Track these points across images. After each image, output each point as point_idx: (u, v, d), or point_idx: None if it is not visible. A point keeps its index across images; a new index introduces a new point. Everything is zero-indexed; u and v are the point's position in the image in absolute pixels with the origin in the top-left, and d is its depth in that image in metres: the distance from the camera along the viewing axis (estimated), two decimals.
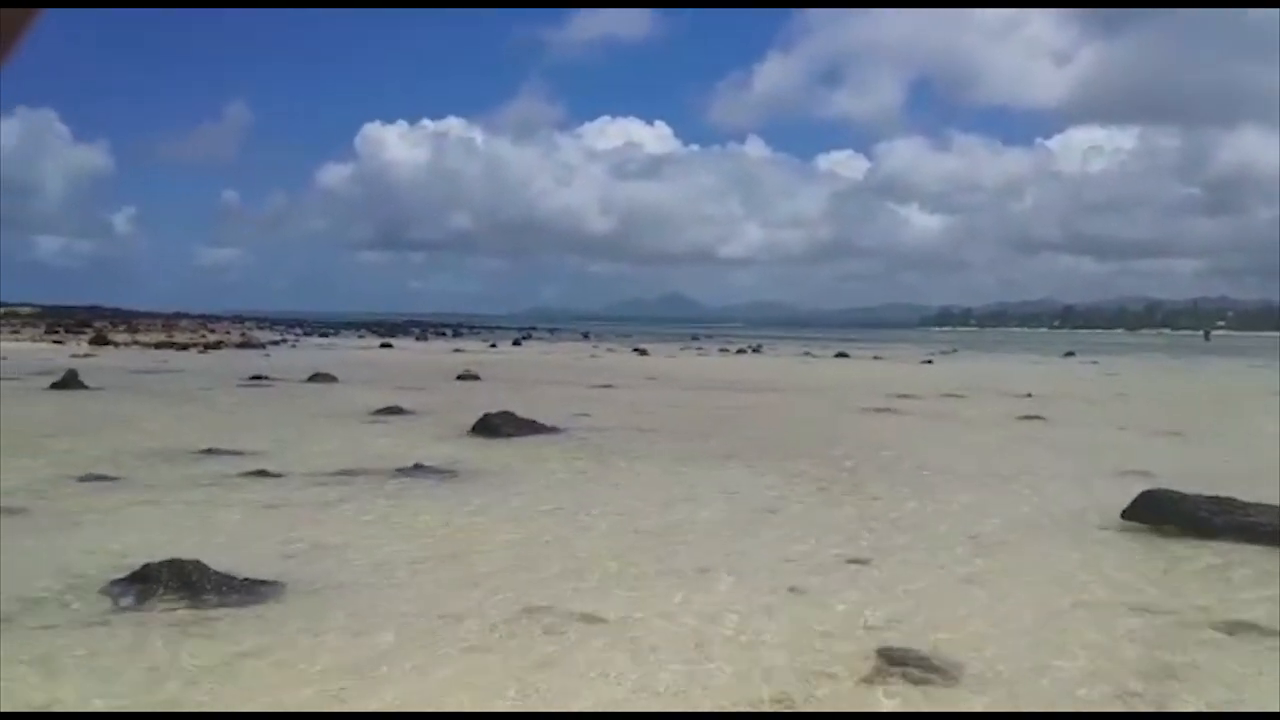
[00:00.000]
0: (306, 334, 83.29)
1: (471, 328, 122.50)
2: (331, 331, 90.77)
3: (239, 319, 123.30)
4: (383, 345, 60.31)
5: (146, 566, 6.75)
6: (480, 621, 6.13)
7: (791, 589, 6.99)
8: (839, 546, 8.38)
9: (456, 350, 54.97)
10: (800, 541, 8.59)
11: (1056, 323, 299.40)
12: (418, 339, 78.34)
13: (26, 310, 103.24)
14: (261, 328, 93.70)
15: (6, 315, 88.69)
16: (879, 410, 21.36)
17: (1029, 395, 25.74)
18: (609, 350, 59.46)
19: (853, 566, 7.71)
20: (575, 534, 8.83)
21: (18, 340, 51.05)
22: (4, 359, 35.25)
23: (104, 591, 6.58)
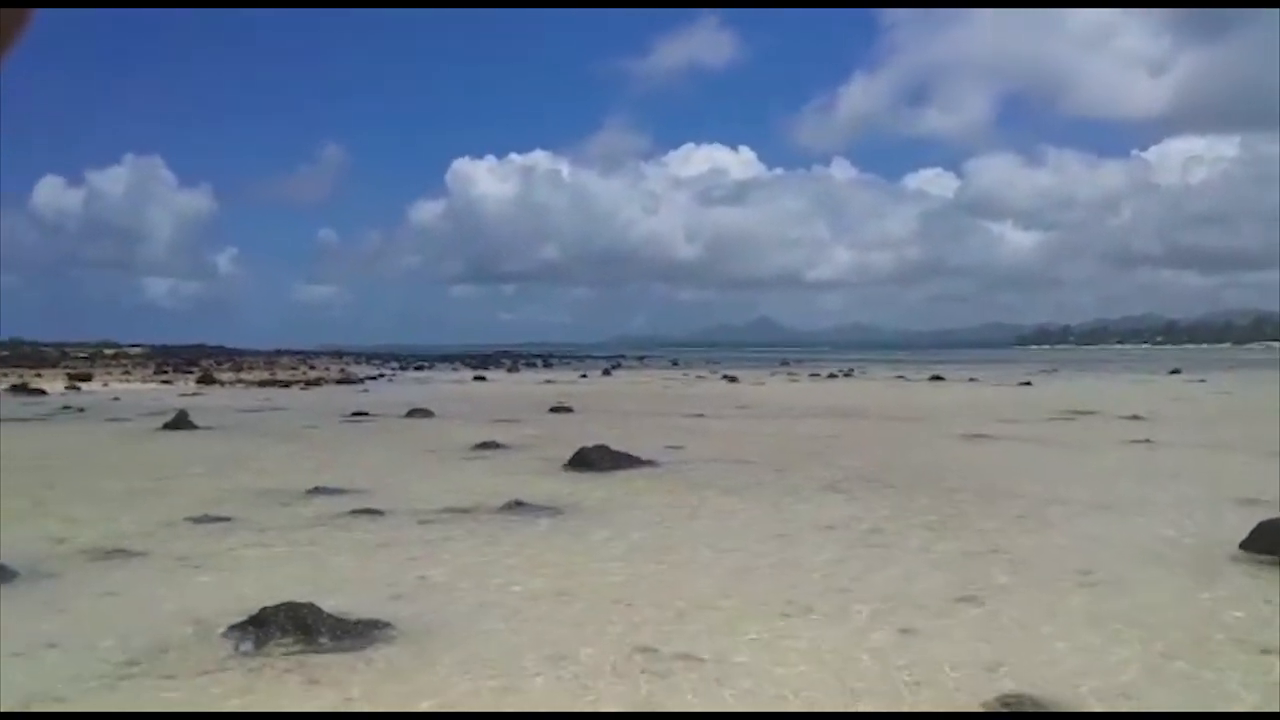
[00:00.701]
0: (402, 368, 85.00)
1: (561, 357, 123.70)
2: (426, 365, 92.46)
3: (337, 354, 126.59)
4: (476, 378, 61.22)
5: (263, 610, 6.94)
6: (590, 662, 6.16)
7: (901, 630, 6.88)
8: (947, 583, 8.22)
9: (547, 381, 55.52)
10: (906, 578, 8.45)
11: (1159, 338, 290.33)
12: (509, 370, 79.36)
13: (136, 350, 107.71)
14: (359, 363, 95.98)
15: (118, 356, 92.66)
16: (979, 436, 20.93)
17: (1135, 417, 24.95)
18: (698, 378, 59.43)
19: (962, 605, 7.55)
20: (676, 572, 8.82)
21: (129, 381, 53.10)
22: (117, 399, 36.75)
23: (224, 636, 6.78)
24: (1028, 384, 47.58)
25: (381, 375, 68.12)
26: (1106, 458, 17.25)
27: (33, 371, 58.29)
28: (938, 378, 54.58)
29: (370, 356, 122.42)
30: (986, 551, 9.48)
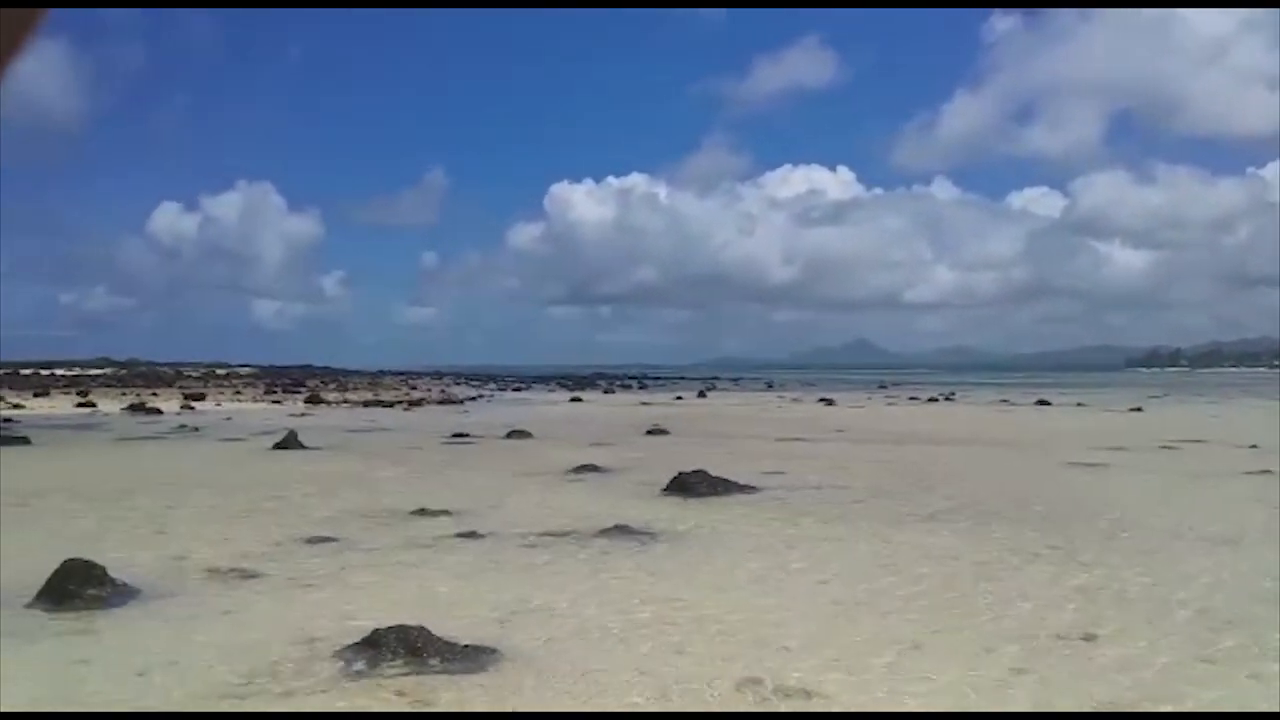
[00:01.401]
0: (500, 389, 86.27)
1: (656, 379, 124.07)
2: (524, 386, 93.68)
3: (437, 375, 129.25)
4: (573, 399, 61.76)
5: (375, 632, 7.10)
6: (696, 694, 6.15)
7: (1014, 669, 6.70)
8: (1060, 620, 7.99)
9: (643, 403, 55.69)
10: (1017, 614, 8.23)
11: (1277, 362, 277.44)
12: (605, 391, 79.83)
13: (246, 371, 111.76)
14: (458, 383, 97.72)
15: (229, 376, 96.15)
16: (1089, 465, 20.29)
17: (1254, 447, 23.88)
18: (794, 401, 58.94)
19: (1077, 644, 7.32)
20: (779, 601, 8.74)
21: (240, 401, 54.98)
22: (229, 419, 38.08)
23: (337, 656, 6.95)
24: (1139, 410, 45.96)
25: (480, 396, 69.19)
26: (1225, 489, 16.56)
27: (149, 391, 60.81)
28: (1044, 402, 53.14)
29: (469, 377, 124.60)
30: (1103, 587, 9.18)
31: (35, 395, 54.83)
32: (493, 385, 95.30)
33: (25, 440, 26.28)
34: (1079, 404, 51.96)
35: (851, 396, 63.07)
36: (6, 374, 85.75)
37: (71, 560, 8.85)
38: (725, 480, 15.78)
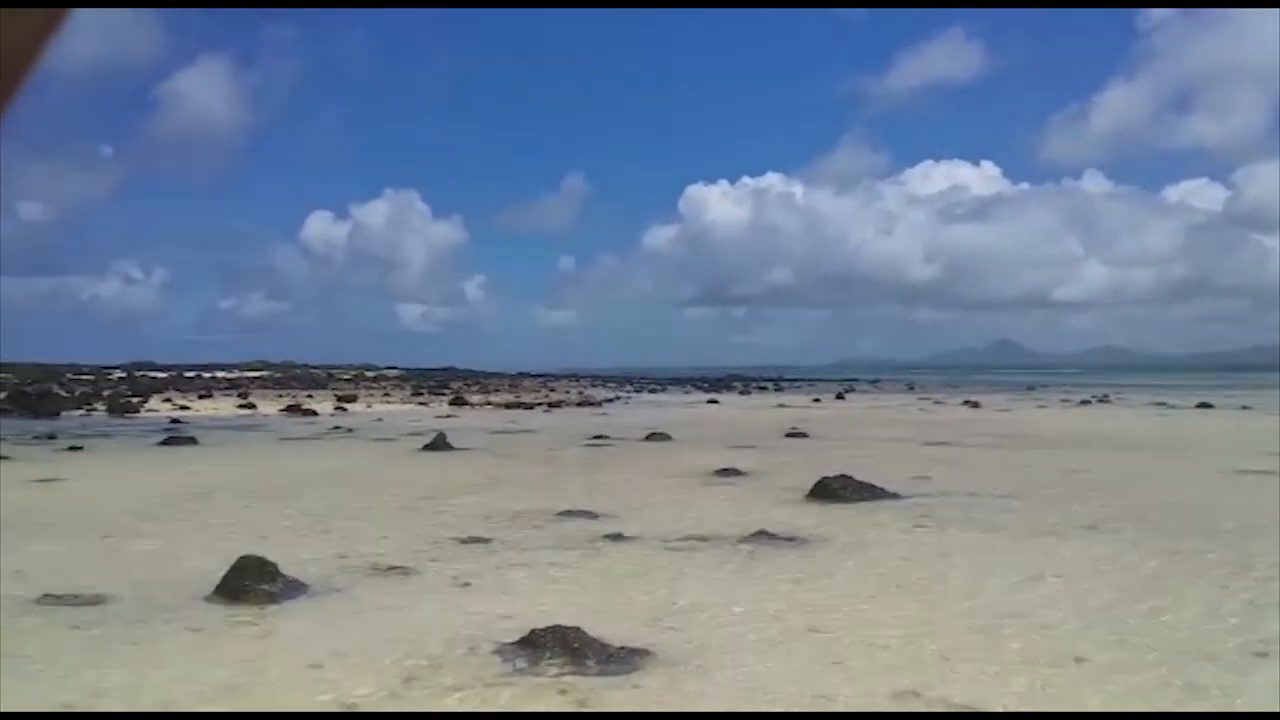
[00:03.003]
0: (637, 391, 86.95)
1: (792, 380, 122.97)
2: (660, 388, 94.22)
3: (575, 377, 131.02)
4: (709, 401, 61.81)
5: (533, 632, 7.28)
6: (852, 703, 6.10)
7: (1186, 685, 6.42)
8: (1233, 636, 7.60)
9: (780, 405, 55.29)
10: (1184, 628, 7.87)
11: None
12: (741, 393, 79.63)
13: (393, 373, 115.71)
14: (595, 385, 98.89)
15: (377, 378, 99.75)
16: (1259, 473, 19.19)
17: None
18: (937, 403, 57.52)
19: (1255, 660, 6.96)
20: (930, 611, 8.58)
21: (389, 403, 56.97)
22: (380, 421, 39.53)
23: (498, 653, 7.16)
24: None
25: (617, 398, 69.88)
26: None
27: (304, 393, 63.59)
28: (1205, 405, 50.45)
29: (605, 379, 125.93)
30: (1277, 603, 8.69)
31: (200, 397, 58.00)
32: (629, 387, 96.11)
33: (193, 441, 27.86)
34: (1244, 407, 49.13)
35: (997, 399, 61.17)
36: (173, 377, 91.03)
37: (245, 557, 9.36)
38: (871, 485, 15.54)
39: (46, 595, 8.92)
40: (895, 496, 15.40)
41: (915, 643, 7.53)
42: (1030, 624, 8.11)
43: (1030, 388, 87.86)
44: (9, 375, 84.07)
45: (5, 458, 22.63)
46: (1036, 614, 8.44)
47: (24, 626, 8.05)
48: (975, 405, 52.47)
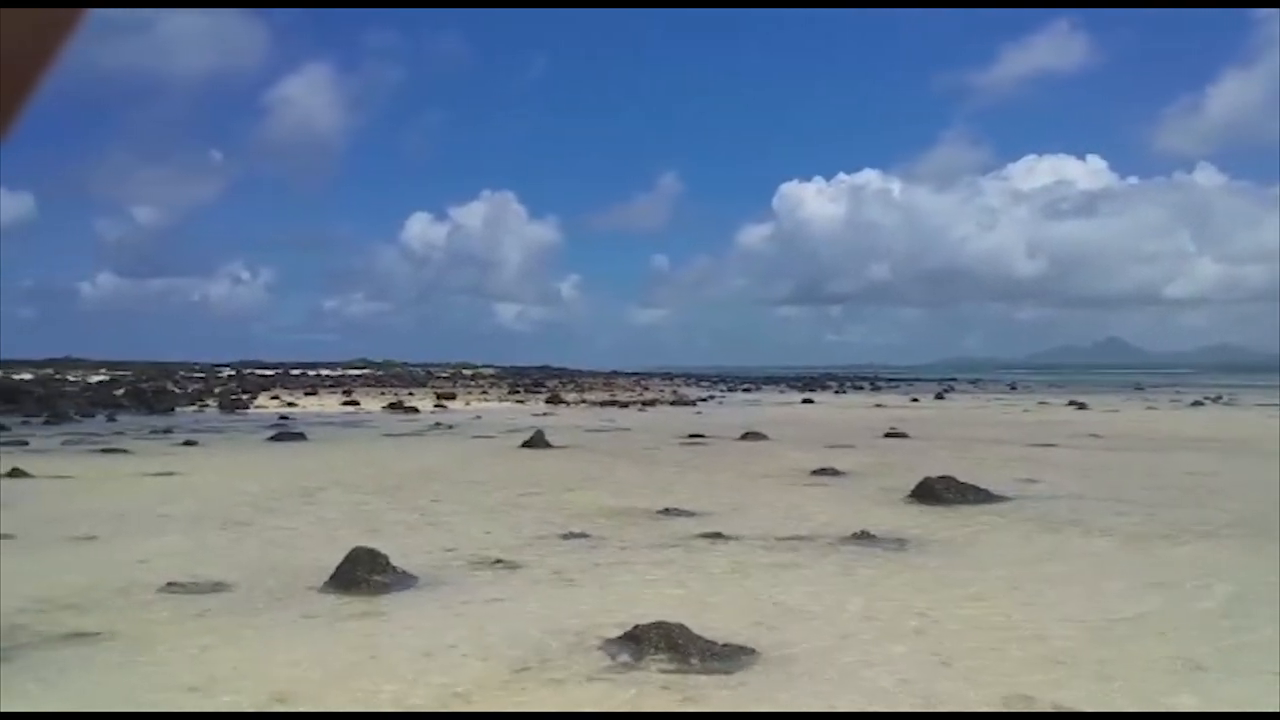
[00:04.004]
0: (730, 390, 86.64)
1: (889, 380, 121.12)
2: (753, 386, 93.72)
3: (668, 376, 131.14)
4: (804, 400, 61.30)
5: (636, 628, 7.35)
6: (963, 708, 6.02)
7: None
8: None
9: (878, 405, 54.53)
10: None
11: None
12: (836, 392, 78.74)
13: (490, 372, 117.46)
14: (688, 384, 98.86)
15: (475, 376, 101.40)
16: None
17: None
18: (1041, 403, 56.03)
19: None
20: (1040, 616, 8.39)
21: (486, 400, 57.88)
22: (479, 418, 40.17)
23: (602, 648, 7.24)
24: None
25: (711, 397, 69.75)
26: None
27: (405, 390, 65.02)
28: None
29: (698, 378, 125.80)
30: None
31: (306, 395, 59.75)
32: (722, 386, 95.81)
33: (302, 436, 28.75)
34: None
35: (1105, 399, 59.30)
36: (279, 375, 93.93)
37: (357, 548, 9.64)
38: (975, 487, 15.25)
39: (171, 584, 9.31)
40: (1000, 498, 15.09)
41: (1025, 647, 7.39)
42: (1144, 629, 7.89)
43: (1139, 387, 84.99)
44: (126, 373, 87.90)
45: (126, 451, 23.68)
46: (1151, 620, 8.20)
47: (151, 614, 8.42)
48: (1081, 406, 50.94)
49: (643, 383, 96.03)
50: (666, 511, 13.86)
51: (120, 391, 56.18)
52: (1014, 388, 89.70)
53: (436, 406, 49.69)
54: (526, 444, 25.00)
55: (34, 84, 0.64)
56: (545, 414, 43.33)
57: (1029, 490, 16.25)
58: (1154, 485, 17.21)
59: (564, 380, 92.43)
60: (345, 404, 51.56)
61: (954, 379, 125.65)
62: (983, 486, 15.39)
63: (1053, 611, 8.53)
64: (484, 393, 66.05)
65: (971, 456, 22.23)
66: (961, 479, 15.51)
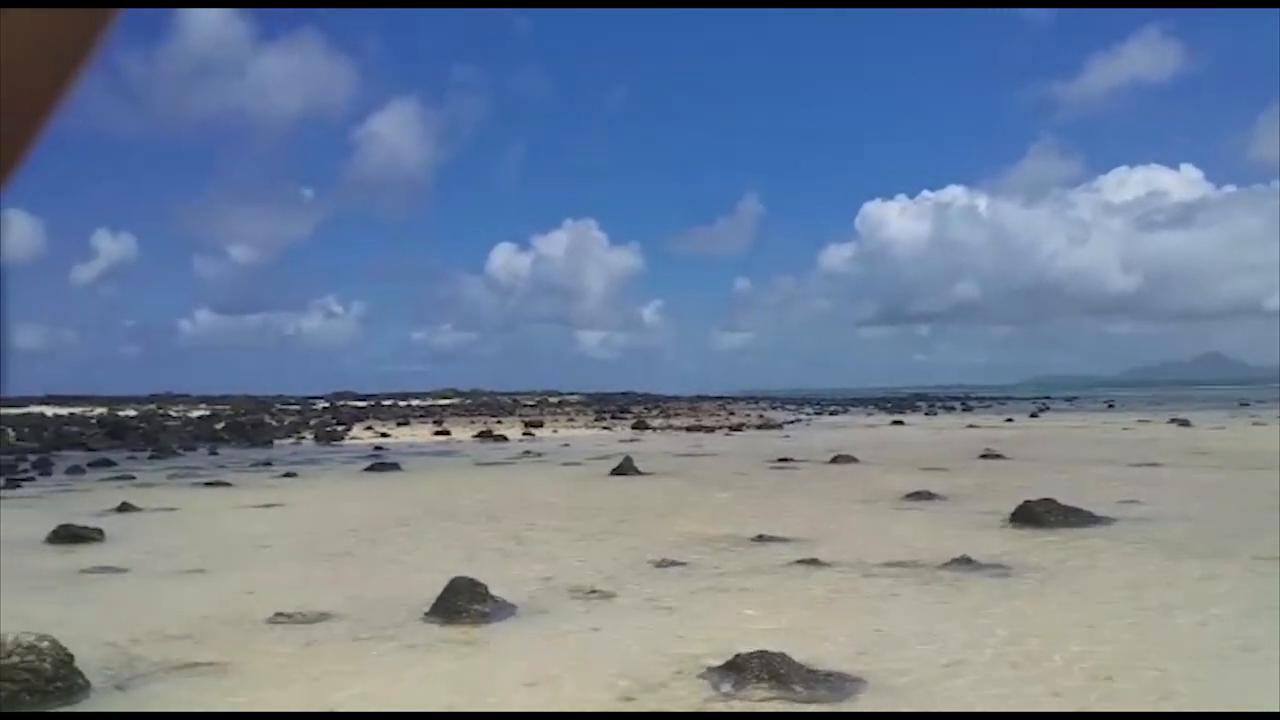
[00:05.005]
0: (817, 412, 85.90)
1: (980, 399, 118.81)
2: (840, 409, 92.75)
3: (752, 399, 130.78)
4: (894, 422, 60.41)
5: (738, 657, 7.31)
6: None
7: None
8: None
9: (970, 426, 53.41)
10: None
11: None
12: (926, 414, 77.41)
13: (575, 399, 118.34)
14: (773, 407, 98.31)
15: (560, 404, 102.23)
16: None
17: None
18: (1140, 421, 54.30)
19: None
20: (1149, 641, 8.12)
21: (573, 427, 58.25)
22: (567, 445, 40.45)
23: (704, 677, 7.22)
24: None
25: (798, 420, 69.22)
26: None
27: (494, 419, 65.81)
28: None
29: (784, 401, 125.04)
30: None
31: (398, 425, 60.92)
32: (808, 409, 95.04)
33: (396, 466, 29.29)
34: None
35: (1208, 416, 57.16)
36: (371, 406, 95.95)
37: (458, 578, 9.76)
38: (1077, 510, 14.84)
39: (279, 614, 9.55)
40: (1105, 521, 14.65)
41: (1136, 675, 7.16)
42: (1263, 657, 7.57)
43: (1244, 403, 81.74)
44: (225, 407, 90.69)
45: (229, 484, 24.39)
46: (1268, 647, 7.86)
47: (260, 645, 8.64)
48: (1184, 423, 49.23)
49: (728, 407, 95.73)
50: (760, 538, 13.76)
51: (220, 425, 57.98)
52: (1112, 405, 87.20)
53: (525, 434, 50.17)
54: (616, 471, 25.07)
55: (66, 85, 0.62)
56: (632, 440, 43.45)
57: (1134, 512, 15.74)
58: (1267, 506, 16.52)
59: (648, 406, 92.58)
60: (437, 433, 52.39)
61: (1048, 397, 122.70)
62: (1085, 508, 14.96)
63: (1163, 637, 8.25)
64: (570, 420, 66.51)
65: (1071, 477, 21.63)
66: (1063, 501, 15.11)
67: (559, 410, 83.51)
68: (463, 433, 51.41)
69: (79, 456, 35.30)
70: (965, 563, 11.58)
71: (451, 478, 26.33)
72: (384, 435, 51.05)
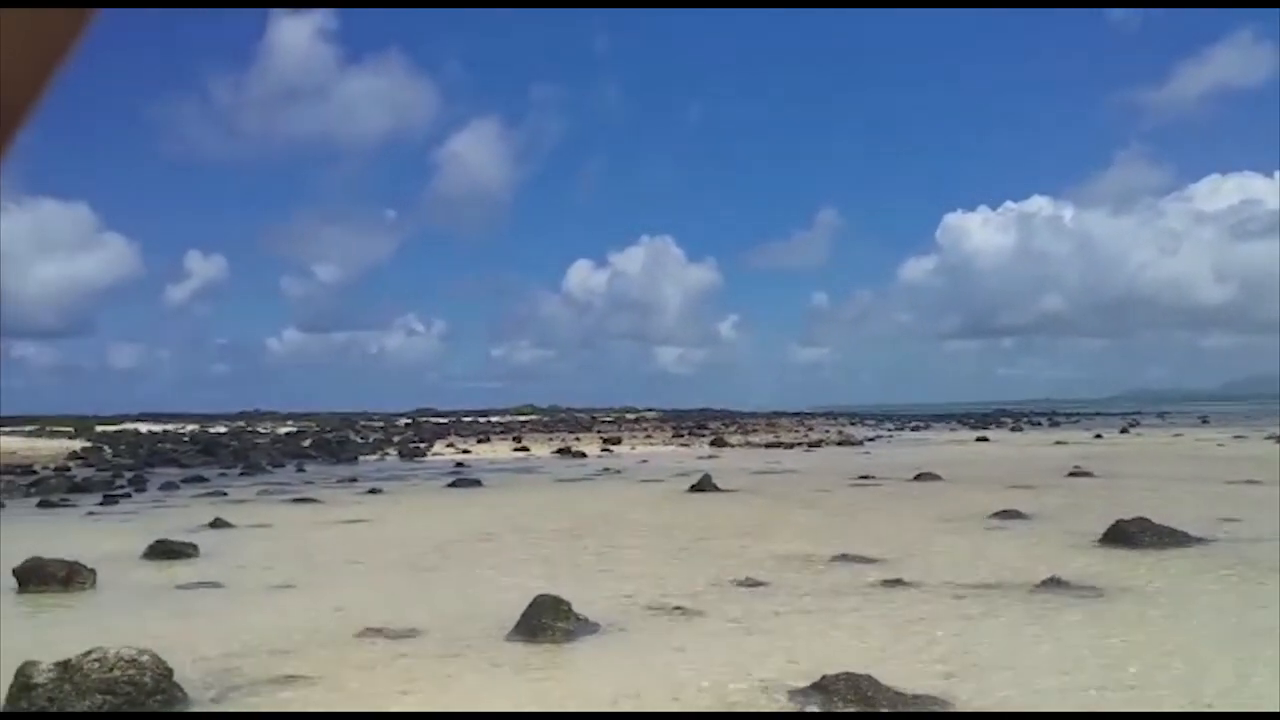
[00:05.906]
0: (898, 428, 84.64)
1: (1067, 414, 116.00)
2: (922, 424, 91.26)
3: (830, 415, 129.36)
4: (979, 439, 59.27)
5: (824, 678, 7.25)
6: None
7: None
8: None
9: (1058, 442, 52.16)
10: None
11: None
12: (1012, 429, 75.81)
13: (652, 415, 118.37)
14: (854, 423, 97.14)
15: (638, 420, 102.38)
16: None
17: None
18: (1236, 436, 52.50)
19: None
20: (1249, 666, 7.84)
21: (651, 444, 58.28)
22: (645, 462, 40.51)
23: (790, 698, 7.18)
24: None
25: (878, 436, 68.33)
26: None
27: (572, 436, 66.20)
28: None
29: (863, 417, 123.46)
30: None
31: (478, 441, 61.66)
32: (889, 424, 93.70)
33: (478, 483, 29.67)
34: None
35: None
36: (452, 422, 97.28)
37: (542, 595, 9.85)
38: (1171, 529, 14.40)
39: (367, 629, 9.74)
40: (1200, 541, 14.20)
41: (1238, 700, 6.93)
42: None
43: None
44: (311, 424, 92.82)
45: (317, 500, 24.95)
46: None
47: (351, 659, 8.82)
48: None
49: (806, 423, 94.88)
50: (843, 557, 13.63)
51: (307, 442, 59.38)
52: (1205, 420, 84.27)
53: (603, 451, 50.38)
54: (695, 488, 25.05)
55: (42, 86, 0.62)
56: (710, 457, 43.35)
57: (1231, 532, 15.23)
58: None
59: (726, 422, 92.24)
60: (516, 450, 52.89)
61: (1138, 412, 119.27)
62: (1180, 528, 14.52)
63: (1264, 662, 7.96)
64: (648, 436, 66.57)
65: (1164, 495, 21.02)
66: (1156, 520, 14.68)
67: (636, 427, 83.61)
68: (542, 449, 51.81)
69: (173, 473, 36.46)
70: (1056, 584, 11.33)
71: (532, 494, 26.56)
72: (465, 451, 51.71)
